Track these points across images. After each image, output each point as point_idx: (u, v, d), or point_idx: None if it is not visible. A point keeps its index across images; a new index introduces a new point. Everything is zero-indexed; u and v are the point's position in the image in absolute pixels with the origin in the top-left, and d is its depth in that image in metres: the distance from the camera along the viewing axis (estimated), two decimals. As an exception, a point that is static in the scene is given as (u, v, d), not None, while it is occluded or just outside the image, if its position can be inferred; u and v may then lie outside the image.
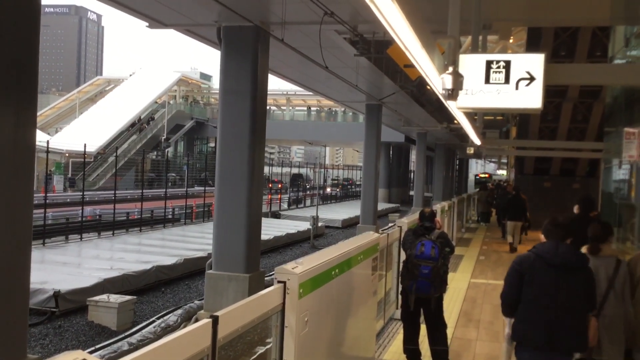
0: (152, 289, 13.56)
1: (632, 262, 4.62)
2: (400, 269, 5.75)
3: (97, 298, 10.80)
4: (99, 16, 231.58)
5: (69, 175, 40.45)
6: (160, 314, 11.14)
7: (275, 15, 9.88)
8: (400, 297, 6.33)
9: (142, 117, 51.89)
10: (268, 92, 11.33)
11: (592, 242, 4.61)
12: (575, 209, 6.63)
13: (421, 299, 5.63)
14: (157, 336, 9.68)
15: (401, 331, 6.42)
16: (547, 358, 3.94)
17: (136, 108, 50.81)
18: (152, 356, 2.28)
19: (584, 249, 4.53)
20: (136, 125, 50.33)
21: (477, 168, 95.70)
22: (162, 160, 46.91)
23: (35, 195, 6.99)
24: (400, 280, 5.81)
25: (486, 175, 63.93)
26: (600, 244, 4.59)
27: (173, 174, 46.49)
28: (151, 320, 10.77)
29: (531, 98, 4.87)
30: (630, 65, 8.31)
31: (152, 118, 51.76)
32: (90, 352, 8.67)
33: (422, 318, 5.96)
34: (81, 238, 17.88)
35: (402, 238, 5.88)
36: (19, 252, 6.10)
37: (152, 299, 12.85)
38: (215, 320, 2.72)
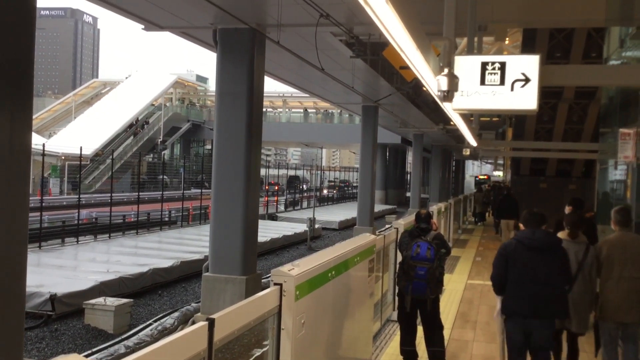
0: (149, 292, 13.54)
1: (597, 247, 5.36)
2: (397, 270, 5.76)
3: (93, 301, 10.78)
4: (95, 19, 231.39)
5: (67, 179, 40.33)
6: (157, 317, 11.13)
7: (271, 18, 9.89)
8: (397, 298, 6.32)
9: (138, 119, 51.84)
10: (264, 94, 11.32)
11: (572, 228, 5.42)
12: (567, 209, 6.90)
13: (417, 300, 5.64)
14: (154, 339, 9.66)
15: (398, 333, 6.44)
16: (531, 324, 4.62)
17: (132, 110, 50.75)
18: (149, 359, 2.28)
19: (562, 234, 5.39)
20: (131, 129, 50.15)
21: (474, 169, 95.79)
22: (158, 163, 46.73)
23: (31, 198, 6.97)
24: (396, 281, 5.81)
25: (485, 177, 64.23)
26: (579, 230, 5.43)
27: (164, 177, 45.99)
28: (148, 323, 10.76)
29: (526, 99, 4.88)
30: (625, 66, 8.33)
31: (146, 122, 51.55)
32: (87, 356, 8.65)
33: (419, 320, 5.96)
34: (77, 241, 17.85)
35: (398, 239, 5.88)
36: (15, 256, 6.08)
37: (148, 302, 12.83)
38: (211, 323, 2.71)
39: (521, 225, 4.95)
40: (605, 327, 5.23)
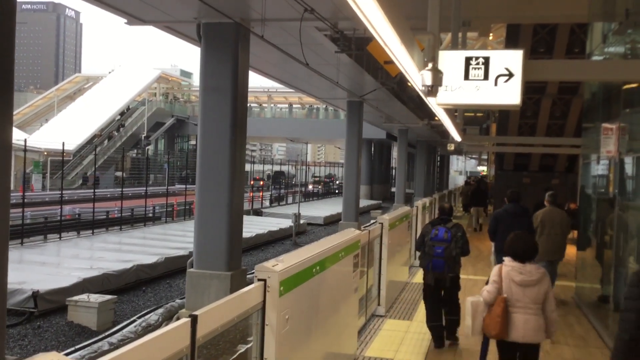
0: (133, 288, 13.45)
1: (536, 215, 8.73)
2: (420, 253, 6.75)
3: (76, 298, 10.69)
4: (77, 13, 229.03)
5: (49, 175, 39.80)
6: (141, 314, 11.07)
7: (255, 12, 9.84)
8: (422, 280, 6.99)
9: (122, 113, 51.35)
10: (249, 89, 11.28)
11: (511, 201, 8.40)
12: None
13: (438, 279, 6.42)
14: (138, 336, 9.60)
15: (383, 327, 7.04)
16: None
17: (115, 106, 50.32)
18: (130, 356, 2.25)
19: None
20: (105, 132, 49.22)
21: (458, 164, 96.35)
22: (142, 159, 46.27)
23: (12, 194, 6.88)
24: (419, 263, 6.76)
25: (482, 173, 64.87)
26: (518, 202, 8.41)
27: (118, 172, 44.70)
28: (132, 319, 10.70)
29: (510, 94, 4.89)
30: (608, 61, 8.38)
31: (122, 125, 50.52)
32: (70, 353, 8.59)
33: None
34: (60, 237, 17.68)
35: (422, 229, 6.91)
36: (-4, 253, 6.00)
37: (132, 298, 12.76)
38: (194, 320, 2.70)
39: (506, 200, 8.41)
40: (539, 263, 8.23)
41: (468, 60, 4.94)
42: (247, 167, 14.11)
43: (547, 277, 4.48)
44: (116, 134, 48.89)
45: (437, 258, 6.34)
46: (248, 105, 12.86)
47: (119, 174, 43.21)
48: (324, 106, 49.15)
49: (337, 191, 54.92)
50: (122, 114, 51.02)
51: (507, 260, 4.52)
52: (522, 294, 4.37)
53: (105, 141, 47.71)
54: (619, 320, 3.39)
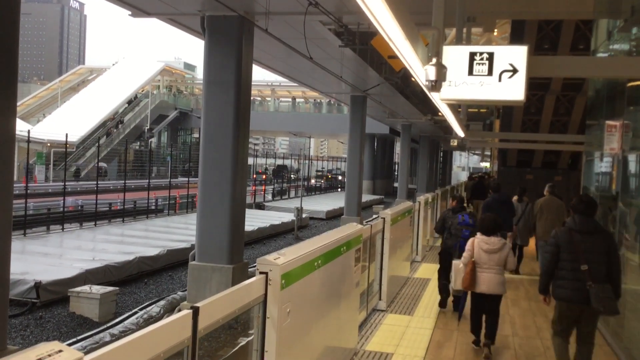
0: (135, 280, 13.48)
1: (536, 203, 10.23)
2: (444, 235, 8.09)
3: (78, 289, 10.72)
4: (82, 4, 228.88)
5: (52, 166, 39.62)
6: (142, 305, 11.10)
7: (259, 5, 9.83)
8: (439, 257, 8.33)
9: (115, 115, 51.11)
10: (252, 83, 11.27)
11: (520, 195, 11.20)
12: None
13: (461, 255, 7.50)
14: (140, 327, 9.63)
15: (384, 322, 7.11)
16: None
17: (119, 98, 50.31)
18: (131, 347, 2.26)
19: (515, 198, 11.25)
20: (117, 116, 49.20)
21: (461, 160, 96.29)
22: (145, 151, 46.18)
23: (16, 185, 6.91)
24: (442, 242, 8.21)
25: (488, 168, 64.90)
26: (523, 196, 11.15)
27: (104, 164, 43.65)
28: (134, 311, 10.73)
29: (514, 90, 4.88)
30: (613, 58, 8.35)
31: (121, 121, 50.16)
32: (72, 344, 8.62)
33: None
34: (63, 229, 17.73)
35: (441, 215, 8.40)
36: (-1, 243, 6.03)
37: (134, 290, 12.79)
38: (195, 311, 2.70)
39: (491, 191, 11.05)
40: (539, 244, 10.38)
41: (472, 55, 4.93)
42: (250, 160, 14.12)
43: (507, 245, 6.14)
44: (115, 131, 48.70)
45: (464, 240, 7.42)
46: (252, 98, 12.87)
47: (102, 164, 43.05)
48: (328, 100, 49.10)
49: (326, 186, 53.26)
50: (129, 102, 50.99)
51: (477, 234, 6.19)
52: (488, 259, 6.02)
53: (104, 137, 47.51)
54: (540, 260, 5.90)
